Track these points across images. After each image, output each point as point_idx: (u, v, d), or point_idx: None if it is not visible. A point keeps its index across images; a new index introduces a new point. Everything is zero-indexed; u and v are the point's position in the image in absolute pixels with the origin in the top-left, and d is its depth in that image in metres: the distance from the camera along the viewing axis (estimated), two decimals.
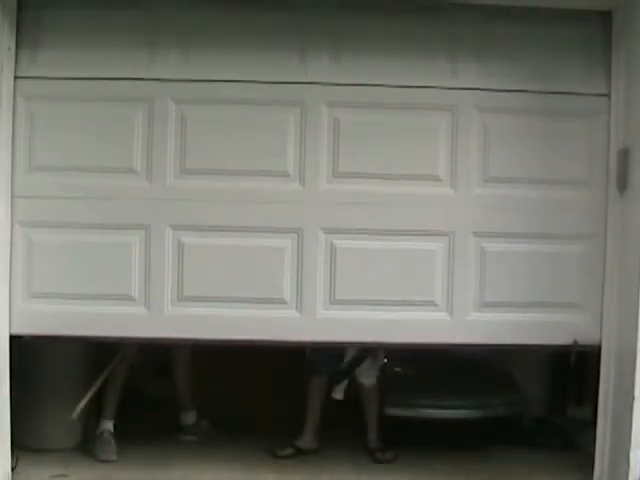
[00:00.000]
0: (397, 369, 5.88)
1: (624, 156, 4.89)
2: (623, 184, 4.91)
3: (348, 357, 5.55)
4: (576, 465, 5.37)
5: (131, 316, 4.99)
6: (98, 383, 5.53)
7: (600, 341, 5.03)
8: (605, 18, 4.98)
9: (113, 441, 5.52)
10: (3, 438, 4.82)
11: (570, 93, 5.00)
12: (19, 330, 4.92)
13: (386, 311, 5.02)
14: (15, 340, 4.90)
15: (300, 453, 5.63)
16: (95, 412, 5.67)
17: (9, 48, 4.79)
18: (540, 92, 4.99)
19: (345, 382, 5.61)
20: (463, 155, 5.00)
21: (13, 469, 4.93)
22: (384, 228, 5.01)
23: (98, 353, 5.66)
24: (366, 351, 5.55)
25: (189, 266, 5.00)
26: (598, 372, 5.04)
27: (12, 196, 4.90)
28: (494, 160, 5.02)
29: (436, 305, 5.06)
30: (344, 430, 6.04)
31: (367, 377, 5.58)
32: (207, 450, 5.72)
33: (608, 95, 4.98)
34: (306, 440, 5.68)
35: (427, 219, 5.02)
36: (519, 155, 5.03)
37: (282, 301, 5.02)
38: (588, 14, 4.98)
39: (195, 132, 4.97)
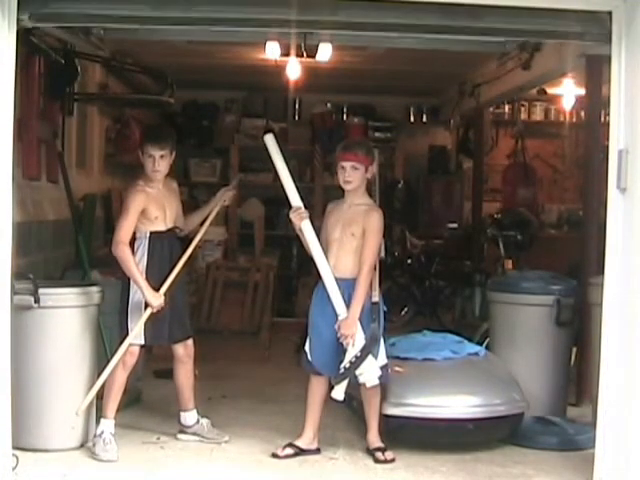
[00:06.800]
0: (397, 369, 5.87)
1: (624, 156, 4.89)
2: (623, 184, 4.92)
3: (349, 357, 5.54)
4: (576, 465, 5.37)
5: None
6: (101, 381, 5.54)
7: None
8: (605, 20, 4.99)
9: (114, 441, 5.52)
10: (3, 438, 4.83)
11: None
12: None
13: None
14: None
15: (300, 453, 5.63)
16: (96, 412, 5.67)
17: None
18: None
19: (345, 382, 5.60)
20: None
21: (13, 469, 4.94)
22: None
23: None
24: (367, 351, 5.55)
25: None
26: (598, 372, 5.05)
27: None
28: None
29: None
30: (344, 430, 6.06)
31: (368, 377, 5.57)
32: (207, 450, 5.72)
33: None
34: (306, 440, 5.68)
35: None
36: None
37: None
38: (588, 18, 4.98)
39: None
